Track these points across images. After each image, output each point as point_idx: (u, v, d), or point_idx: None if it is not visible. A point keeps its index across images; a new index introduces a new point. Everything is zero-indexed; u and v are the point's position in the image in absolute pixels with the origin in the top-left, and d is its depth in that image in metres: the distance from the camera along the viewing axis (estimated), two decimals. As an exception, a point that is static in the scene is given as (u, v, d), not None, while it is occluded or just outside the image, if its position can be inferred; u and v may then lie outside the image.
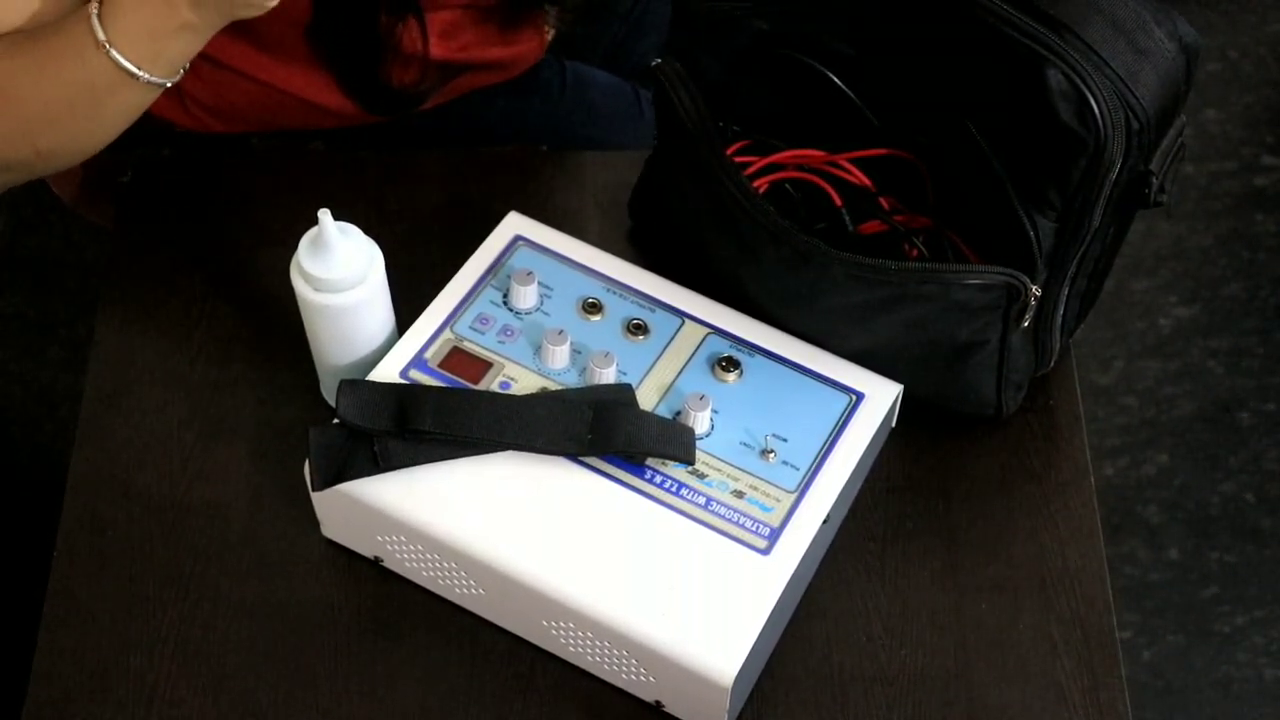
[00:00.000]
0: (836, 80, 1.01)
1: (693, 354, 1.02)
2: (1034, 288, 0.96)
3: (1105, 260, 1.02)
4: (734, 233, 1.00)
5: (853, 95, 1.02)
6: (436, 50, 1.18)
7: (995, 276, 0.95)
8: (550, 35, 1.32)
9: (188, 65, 0.99)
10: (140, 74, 0.96)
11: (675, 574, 0.93)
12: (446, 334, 1.02)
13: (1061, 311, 1.01)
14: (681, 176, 1.06)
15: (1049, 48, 0.90)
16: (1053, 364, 1.06)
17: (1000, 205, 0.95)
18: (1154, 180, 0.94)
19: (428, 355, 1.01)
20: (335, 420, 0.96)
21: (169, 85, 0.98)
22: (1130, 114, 0.91)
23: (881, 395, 1.01)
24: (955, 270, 0.95)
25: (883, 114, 1.02)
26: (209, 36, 0.97)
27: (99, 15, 0.95)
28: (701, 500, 0.95)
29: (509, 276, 1.03)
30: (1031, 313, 0.98)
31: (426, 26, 1.15)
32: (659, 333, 1.02)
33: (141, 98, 0.99)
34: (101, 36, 0.95)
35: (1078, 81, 0.90)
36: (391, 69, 1.16)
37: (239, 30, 1.02)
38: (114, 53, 0.95)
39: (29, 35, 0.99)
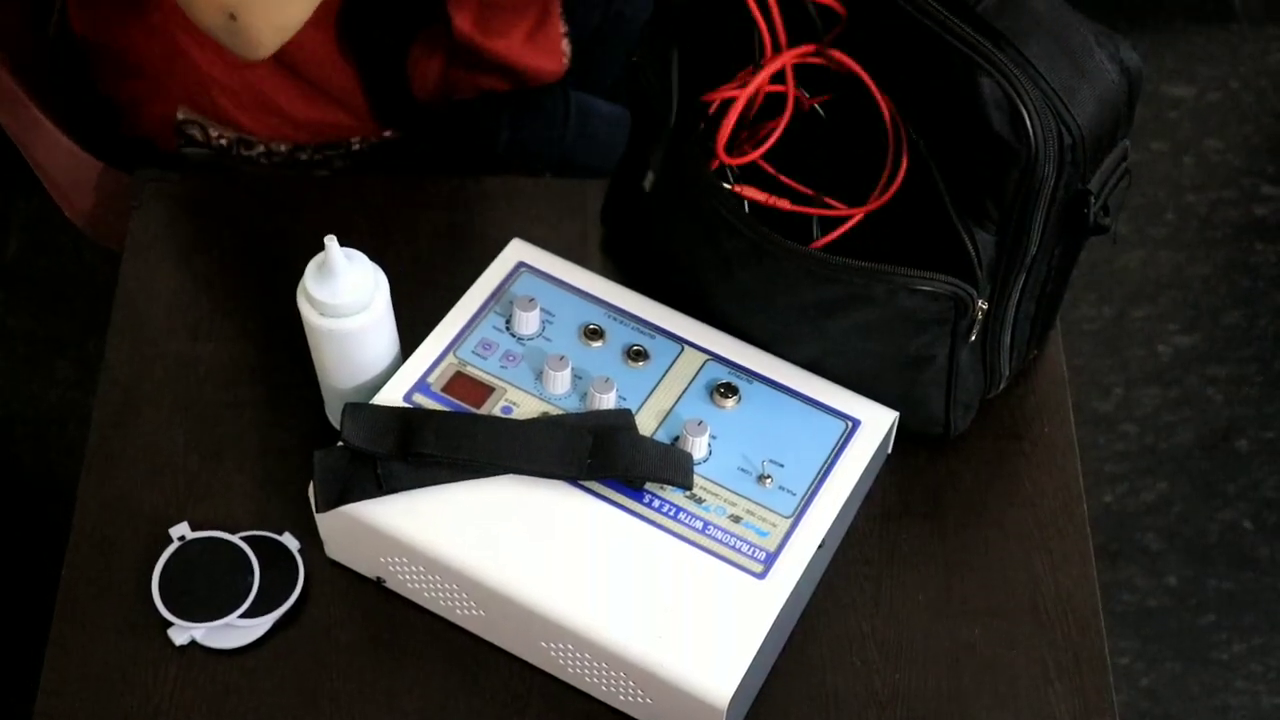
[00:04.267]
0: (803, 91, 1.01)
1: (692, 380, 1.03)
2: (980, 301, 0.98)
3: (1054, 285, 1.04)
4: (699, 227, 1.02)
5: (818, 107, 1.02)
6: (467, 28, 1.21)
7: (943, 285, 0.97)
8: (567, 60, 1.34)
9: None
10: None
11: (672, 597, 0.94)
12: (450, 359, 1.04)
13: (1010, 333, 1.03)
14: (649, 171, 1.07)
15: (986, 58, 0.92)
16: (1003, 387, 1.07)
17: (940, 218, 0.97)
18: (1093, 200, 0.96)
19: (431, 379, 1.02)
20: (340, 443, 0.98)
21: None
22: (1064, 128, 0.93)
23: (877, 422, 1.02)
24: (903, 274, 0.97)
25: (839, 120, 1.03)
26: None
27: None
28: (699, 524, 0.97)
29: (511, 302, 1.05)
30: (978, 328, 1.00)
31: (453, 22, 1.17)
32: (659, 359, 1.04)
33: None
34: None
35: (1010, 92, 0.92)
36: (414, 72, 1.18)
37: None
38: None
39: None
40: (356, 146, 1.28)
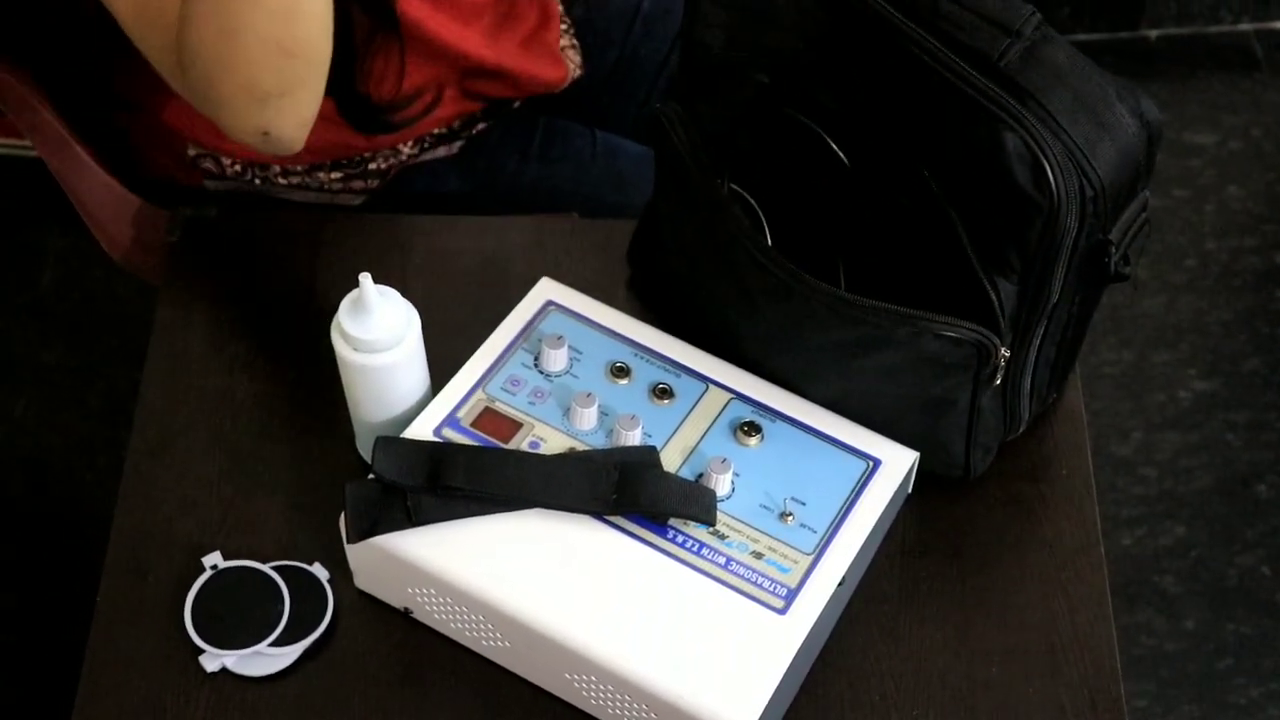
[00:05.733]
0: (830, 141, 1.04)
1: (716, 418, 1.05)
2: (1003, 349, 1.00)
3: (1074, 330, 1.05)
4: (726, 265, 1.04)
5: (841, 155, 1.04)
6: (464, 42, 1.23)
7: (967, 332, 0.98)
8: (576, 69, 1.36)
9: None
10: None
11: (695, 631, 0.95)
12: (479, 394, 1.05)
13: (1029, 378, 1.05)
14: (678, 215, 1.09)
15: (1009, 112, 0.93)
16: (1022, 430, 1.09)
17: (963, 267, 0.98)
18: (1113, 250, 0.97)
19: (460, 414, 1.04)
20: (371, 476, 1.00)
21: None
22: (1085, 181, 0.94)
23: (898, 462, 1.04)
24: (928, 319, 0.98)
25: (864, 170, 1.05)
26: None
27: None
28: (721, 560, 0.99)
29: (540, 340, 1.07)
30: (1000, 374, 1.01)
31: (405, 51, 1.19)
32: (684, 397, 1.06)
33: None
34: None
35: (1034, 146, 0.93)
36: (368, 82, 1.20)
37: None
38: None
39: None
40: (374, 165, 1.30)
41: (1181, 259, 2.14)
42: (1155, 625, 1.84)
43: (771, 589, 0.97)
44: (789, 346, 1.05)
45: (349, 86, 1.20)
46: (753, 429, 1.04)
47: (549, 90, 1.35)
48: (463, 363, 1.07)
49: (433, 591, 0.99)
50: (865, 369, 1.02)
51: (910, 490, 1.08)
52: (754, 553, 0.99)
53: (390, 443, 1.00)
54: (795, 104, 1.03)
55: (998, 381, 1.02)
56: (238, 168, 1.29)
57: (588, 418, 1.03)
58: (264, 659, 1.01)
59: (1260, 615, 1.85)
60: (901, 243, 1.01)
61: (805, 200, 1.05)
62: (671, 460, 1.02)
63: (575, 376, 1.06)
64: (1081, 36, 2.31)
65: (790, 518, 1.00)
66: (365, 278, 0.98)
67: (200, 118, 1.24)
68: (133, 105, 1.28)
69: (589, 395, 1.03)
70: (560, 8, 1.37)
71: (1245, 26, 2.38)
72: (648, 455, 1.02)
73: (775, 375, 1.06)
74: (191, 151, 1.28)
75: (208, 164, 1.29)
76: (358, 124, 1.24)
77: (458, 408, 1.05)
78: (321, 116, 1.24)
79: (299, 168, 1.29)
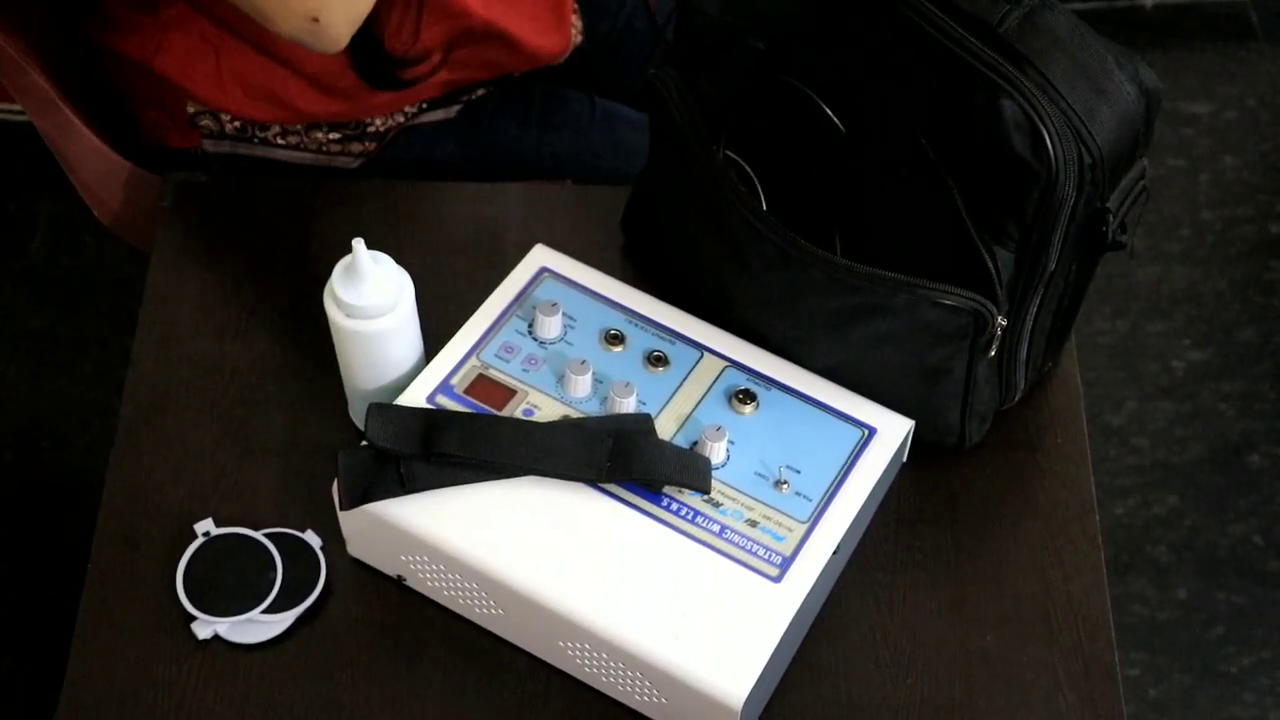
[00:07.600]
0: (826, 108, 1.03)
1: (711, 386, 1.05)
2: (999, 318, 0.99)
3: (1070, 299, 1.05)
4: (722, 232, 1.03)
5: (838, 121, 1.04)
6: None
7: (964, 300, 0.98)
8: (578, 35, 1.35)
9: None
10: None
11: (689, 599, 0.95)
12: (472, 361, 1.05)
13: (1025, 346, 1.04)
14: (674, 181, 1.09)
15: (1008, 79, 0.93)
16: (1017, 399, 1.08)
17: (960, 235, 0.98)
18: (1111, 218, 0.97)
19: (454, 381, 1.04)
20: (363, 442, 0.99)
21: None
22: (1084, 149, 0.94)
23: (893, 430, 1.04)
24: (926, 287, 0.98)
25: (860, 137, 1.04)
26: None
27: None
28: (716, 528, 0.98)
29: (534, 307, 1.07)
30: (997, 343, 1.01)
31: (424, 7, 1.18)
32: (679, 365, 1.05)
33: None
34: None
35: (1032, 113, 0.92)
36: (386, 25, 1.19)
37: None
38: None
39: None
40: (372, 127, 1.30)
41: (1176, 229, 2.14)
42: (1147, 594, 1.84)
43: (766, 557, 0.97)
44: (785, 314, 1.04)
45: (367, 31, 1.18)
46: (748, 397, 1.04)
47: (549, 63, 1.35)
48: (456, 329, 1.06)
49: (426, 559, 0.99)
50: (861, 337, 1.02)
51: (905, 459, 1.07)
52: (749, 521, 0.98)
53: (383, 410, 1.00)
54: (791, 70, 1.02)
55: (994, 350, 1.02)
56: (237, 125, 1.28)
57: (582, 385, 1.03)
58: (256, 626, 1.01)
59: (1252, 584, 1.86)
60: (898, 210, 1.01)
61: (801, 167, 1.04)
62: (666, 428, 1.02)
63: (569, 344, 1.06)
64: (1078, 5, 2.30)
65: (785, 486, 1.00)
66: (358, 243, 0.97)
67: (200, 71, 1.23)
68: (133, 64, 1.27)
69: (583, 362, 1.03)
70: None
71: (1242, -5, 2.37)
72: (642, 423, 1.01)
73: (771, 343, 1.06)
74: (190, 109, 1.27)
75: (206, 121, 1.28)
76: (368, 74, 1.23)
77: (451, 374, 1.04)
78: (329, 81, 1.24)
79: (298, 126, 1.28)
